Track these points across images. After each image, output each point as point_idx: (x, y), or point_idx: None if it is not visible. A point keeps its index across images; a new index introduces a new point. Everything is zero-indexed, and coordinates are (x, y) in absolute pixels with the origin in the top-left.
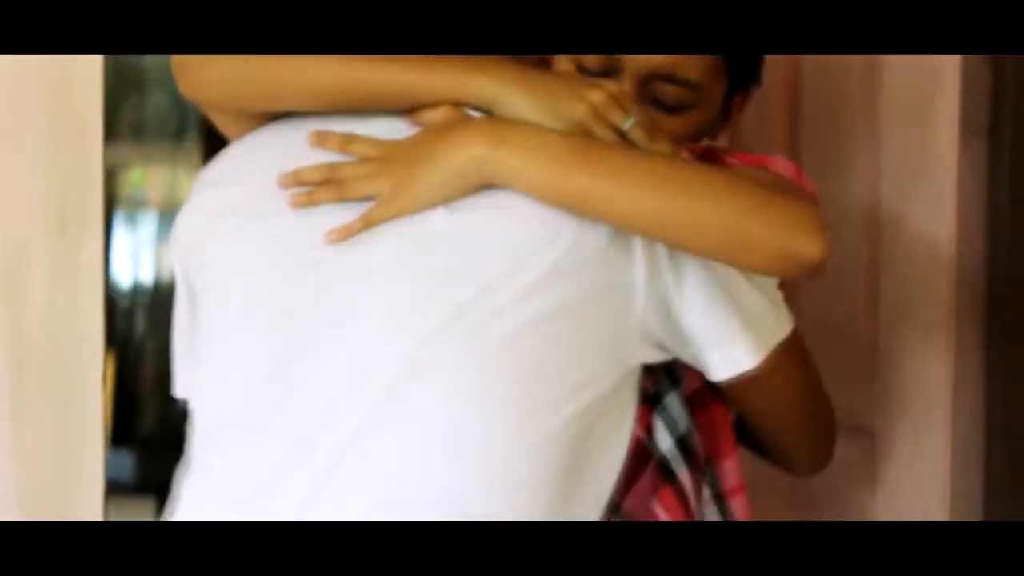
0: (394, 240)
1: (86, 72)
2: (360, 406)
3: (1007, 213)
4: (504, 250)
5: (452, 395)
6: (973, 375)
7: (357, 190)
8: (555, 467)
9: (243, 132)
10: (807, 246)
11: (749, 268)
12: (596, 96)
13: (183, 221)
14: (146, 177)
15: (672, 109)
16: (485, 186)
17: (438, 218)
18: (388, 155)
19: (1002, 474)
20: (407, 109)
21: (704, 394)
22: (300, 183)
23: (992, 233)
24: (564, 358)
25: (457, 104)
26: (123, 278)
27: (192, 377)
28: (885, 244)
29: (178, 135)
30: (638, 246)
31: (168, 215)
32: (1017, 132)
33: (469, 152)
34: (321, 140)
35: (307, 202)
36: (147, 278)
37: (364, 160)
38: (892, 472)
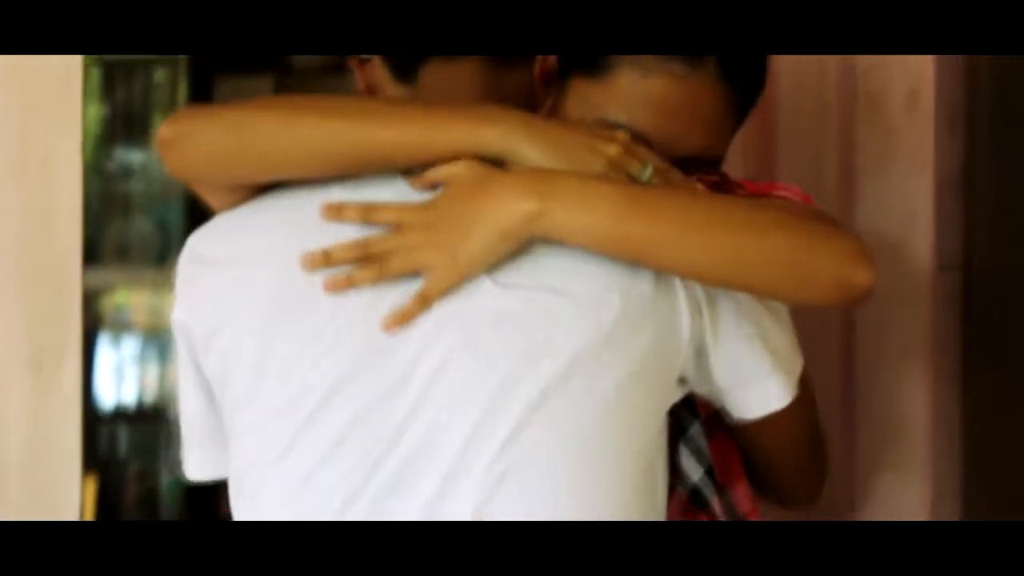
0: (450, 321)
1: (67, 200)
2: (461, 509)
3: (986, 244)
4: (564, 322)
5: (549, 485)
6: (951, 408)
7: (401, 265)
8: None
9: (234, 203)
10: (863, 275)
11: (811, 301)
12: (613, 149)
13: (191, 304)
14: (130, 299)
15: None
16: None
17: (488, 290)
18: (424, 222)
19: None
20: (405, 169)
21: (712, 422)
22: (333, 263)
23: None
24: (640, 415)
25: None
26: (106, 400)
27: (236, 466)
28: None
29: (161, 258)
30: (680, 290)
31: (152, 337)
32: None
33: (518, 209)
34: (337, 213)
35: (346, 285)
36: (130, 399)
37: (399, 230)
38: (869, 508)
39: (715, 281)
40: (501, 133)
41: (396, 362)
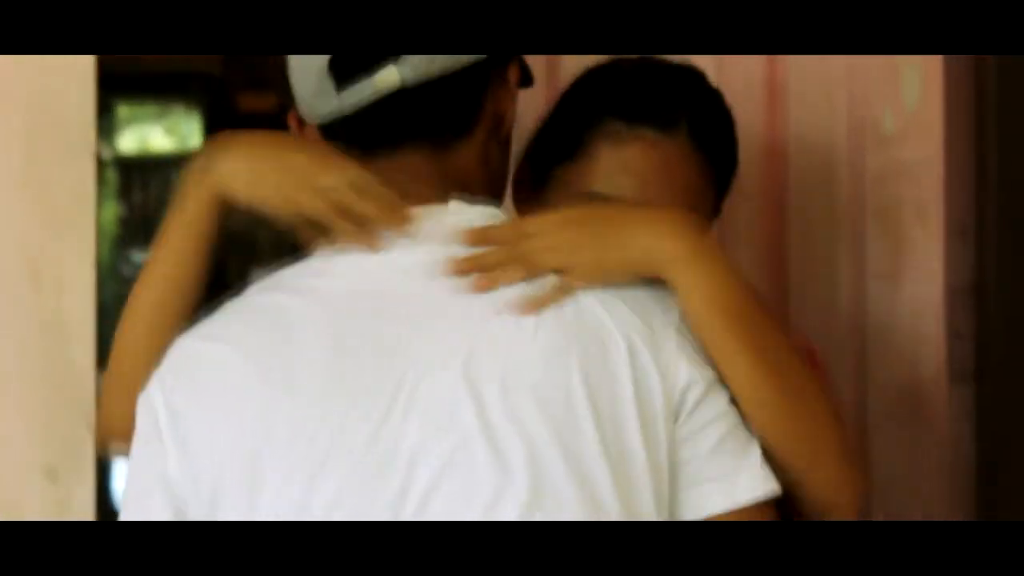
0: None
1: (80, 314)
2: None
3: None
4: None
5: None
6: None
7: (549, 261)
8: None
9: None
10: (859, 486)
11: (813, 485)
12: (331, 181)
13: (183, 462)
14: None
15: None
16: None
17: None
18: (567, 231)
19: None
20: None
21: None
22: (479, 268)
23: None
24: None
25: None
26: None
27: None
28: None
29: None
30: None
31: None
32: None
33: (671, 244)
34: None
35: (492, 284)
36: None
37: (537, 237)
38: None
39: (755, 403)
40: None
41: (392, 479)
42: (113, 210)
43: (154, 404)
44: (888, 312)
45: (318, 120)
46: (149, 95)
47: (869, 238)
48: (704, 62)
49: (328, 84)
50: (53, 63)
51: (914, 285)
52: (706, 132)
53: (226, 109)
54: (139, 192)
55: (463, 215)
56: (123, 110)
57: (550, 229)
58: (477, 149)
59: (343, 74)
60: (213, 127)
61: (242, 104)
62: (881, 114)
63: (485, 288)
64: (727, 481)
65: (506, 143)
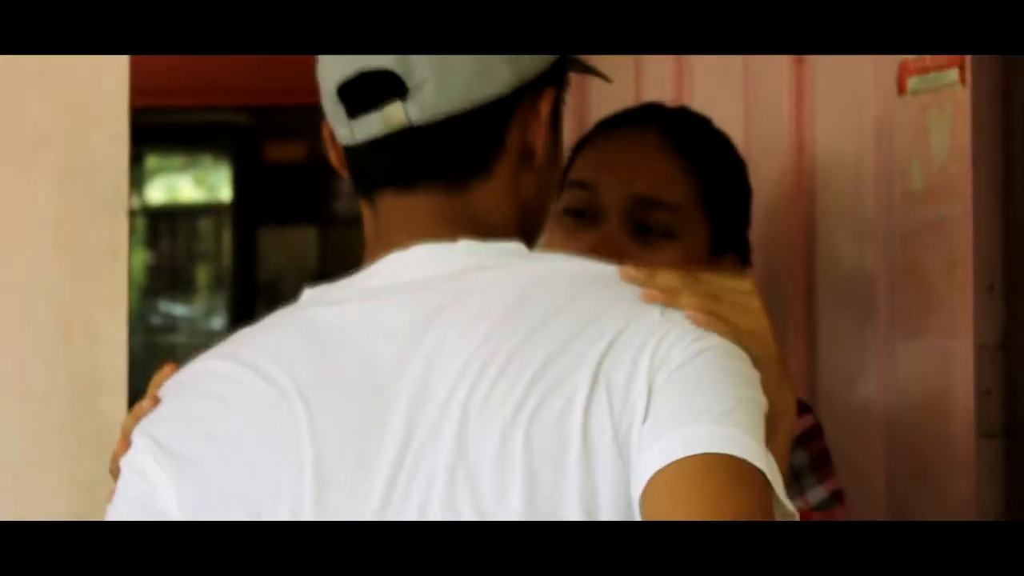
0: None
1: (112, 374)
2: None
3: None
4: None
5: None
6: None
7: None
8: None
9: None
10: None
11: None
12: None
13: (186, 502)
14: None
15: (660, 235)
16: None
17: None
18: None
19: None
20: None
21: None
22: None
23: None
24: None
25: None
26: None
27: None
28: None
29: None
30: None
31: None
32: None
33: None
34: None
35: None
36: None
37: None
38: None
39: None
40: None
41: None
42: (140, 258)
43: (143, 461)
44: (916, 368)
45: (340, 141)
46: (178, 146)
47: (898, 294)
48: (732, 123)
49: (341, 110)
50: (87, 120)
51: (943, 341)
52: (676, 126)
53: (254, 159)
54: (167, 240)
55: (471, 257)
56: (152, 160)
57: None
58: (502, 184)
59: (352, 104)
60: (242, 177)
61: (270, 154)
62: (910, 170)
63: (667, 301)
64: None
65: (546, 171)
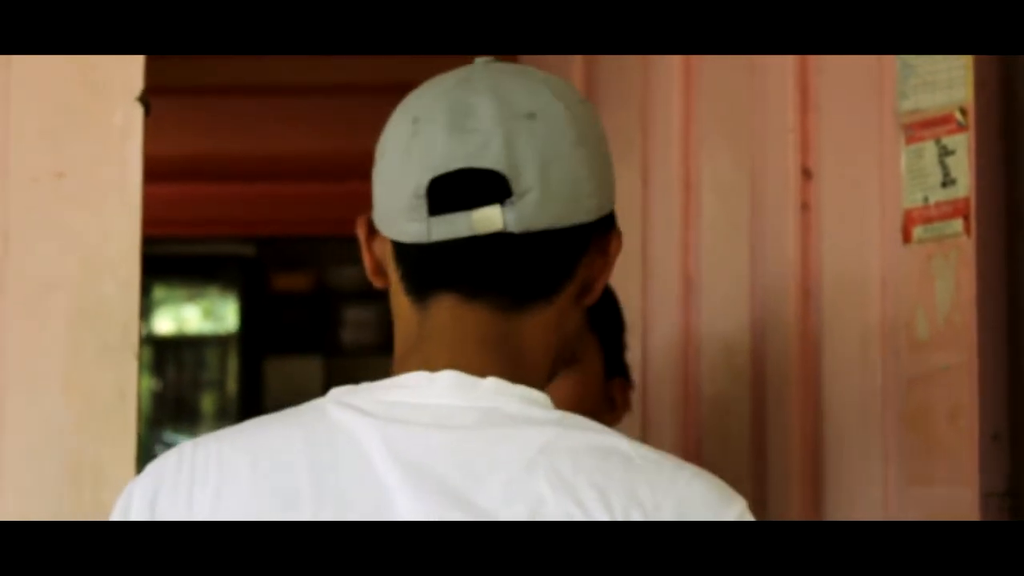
0: None
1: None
2: None
3: None
4: None
5: None
6: None
7: None
8: None
9: None
10: None
11: None
12: None
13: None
14: None
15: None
16: None
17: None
18: None
19: None
20: None
21: None
22: None
23: None
24: None
25: None
26: None
27: None
28: None
29: None
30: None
31: None
32: None
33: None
34: None
35: None
36: None
37: None
38: None
39: None
40: None
41: None
42: (146, 384)
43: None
44: (924, 515)
45: (397, 237)
46: (184, 277)
47: (904, 441)
48: (739, 268)
49: (421, 205)
50: (99, 266)
51: (948, 489)
52: None
53: (260, 289)
54: (173, 369)
55: (497, 398)
56: (159, 291)
57: None
58: (555, 315)
59: (440, 201)
60: (248, 307)
61: (276, 284)
62: (914, 318)
63: None
64: None
65: (586, 309)
